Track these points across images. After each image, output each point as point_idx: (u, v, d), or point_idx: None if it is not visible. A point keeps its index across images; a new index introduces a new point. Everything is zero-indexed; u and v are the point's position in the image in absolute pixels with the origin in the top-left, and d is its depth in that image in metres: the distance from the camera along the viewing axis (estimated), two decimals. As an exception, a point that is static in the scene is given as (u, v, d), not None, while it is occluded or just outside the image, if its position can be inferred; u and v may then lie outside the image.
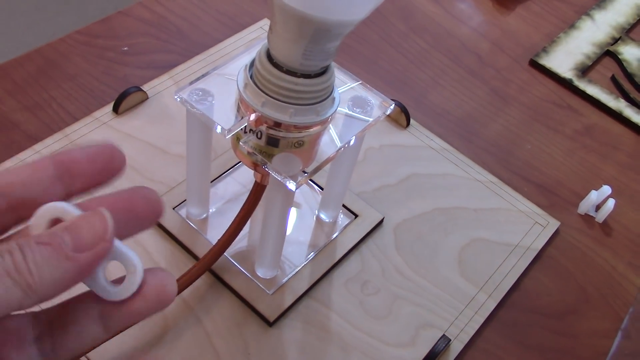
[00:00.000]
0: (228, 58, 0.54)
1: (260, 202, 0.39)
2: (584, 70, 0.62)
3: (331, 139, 0.36)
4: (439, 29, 0.64)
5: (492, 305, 0.44)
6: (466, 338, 0.42)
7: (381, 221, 0.47)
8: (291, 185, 0.33)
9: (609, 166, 0.56)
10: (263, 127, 0.34)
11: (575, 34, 0.65)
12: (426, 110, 0.56)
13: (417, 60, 0.60)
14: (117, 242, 0.22)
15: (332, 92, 0.35)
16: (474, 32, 0.65)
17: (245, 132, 0.35)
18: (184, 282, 0.38)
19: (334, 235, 0.45)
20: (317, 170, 0.35)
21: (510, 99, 0.59)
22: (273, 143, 0.35)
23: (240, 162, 0.48)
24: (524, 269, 0.46)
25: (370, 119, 0.37)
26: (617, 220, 0.51)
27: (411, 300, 0.43)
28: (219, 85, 0.37)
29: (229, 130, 0.35)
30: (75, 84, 0.51)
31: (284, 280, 0.42)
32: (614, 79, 0.62)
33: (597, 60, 0.64)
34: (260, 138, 0.35)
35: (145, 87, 0.51)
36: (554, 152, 0.56)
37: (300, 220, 0.46)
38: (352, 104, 0.38)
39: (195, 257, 0.42)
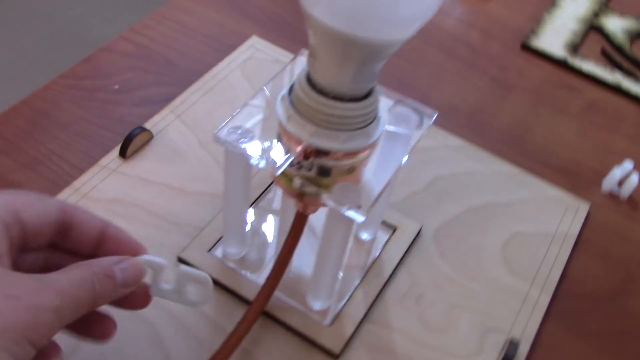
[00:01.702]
0: (227, 85, 0.52)
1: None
2: (575, 47, 0.62)
3: (385, 160, 0.35)
4: (426, 24, 0.63)
5: (547, 299, 0.43)
6: (530, 337, 0.41)
7: (419, 230, 0.45)
8: (359, 216, 0.31)
9: (619, 140, 0.56)
10: (316, 159, 0.32)
11: (558, 13, 0.65)
12: (433, 109, 0.55)
13: (413, 60, 0.59)
14: (187, 268, 0.33)
15: (378, 112, 0.34)
16: (461, 23, 0.64)
17: (292, 165, 0.33)
18: (242, 330, 0.36)
19: (377, 253, 0.43)
20: (379, 196, 0.33)
21: (511, 86, 0.59)
22: (324, 173, 0.33)
23: (264, 191, 0.46)
24: (567, 256, 0.46)
25: (414, 132, 0.36)
26: (638, 192, 0.52)
27: (468, 306, 0.42)
28: (255, 119, 0.35)
29: (278, 168, 0.33)
30: (71, 133, 0.48)
31: (339, 309, 0.40)
32: (604, 53, 0.62)
33: (584, 36, 0.64)
34: (310, 170, 0.33)
35: (147, 126, 0.48)
36: (565, 134, 0.56)
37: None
38: (395, 120, 0.36)
39: (242, 298, 0.40)
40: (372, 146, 0.33)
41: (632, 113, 0.58)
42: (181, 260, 0.41)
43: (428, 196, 0.48)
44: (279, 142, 0.34)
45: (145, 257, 0.32)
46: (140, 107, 0.50)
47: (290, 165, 0.33)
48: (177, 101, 0.50)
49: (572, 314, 0.44)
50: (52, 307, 0.27)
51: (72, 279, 0.29)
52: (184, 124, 0.49)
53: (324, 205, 0.34)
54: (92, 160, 0.46)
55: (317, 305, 0.40)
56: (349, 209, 0.32)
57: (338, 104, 0.31)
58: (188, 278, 0.33)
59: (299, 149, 0.32)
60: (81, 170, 0.45)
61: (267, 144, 0.34)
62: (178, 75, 0.53)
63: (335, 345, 0.39)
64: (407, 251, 0.44)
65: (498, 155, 0.52)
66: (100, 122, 0.49)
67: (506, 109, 0.57)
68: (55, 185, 0.44)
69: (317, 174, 0.33)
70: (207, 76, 0.53)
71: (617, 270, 0.47)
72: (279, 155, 0.33)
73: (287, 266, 0.37)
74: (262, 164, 0.33)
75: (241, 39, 0.57)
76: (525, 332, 0.42)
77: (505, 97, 0.58)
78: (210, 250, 0.42)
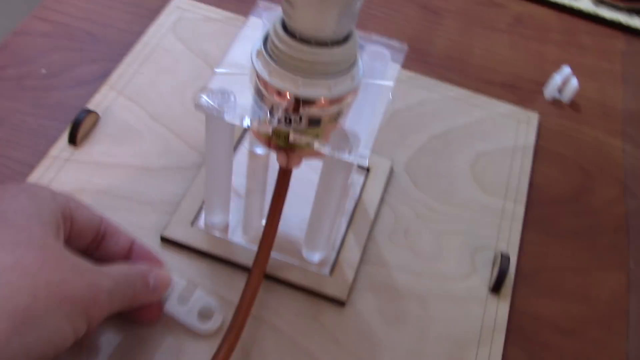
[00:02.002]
0: (162, 51, 0.50)
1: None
2: (491, -36, 0.63)
3: (369, 101, 0.34)
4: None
5: (522, 210, 0.45)
6: (515, 248, 0.43)
7: (391, 167, 0.46)
8: (362, 160, 0.31)
9: (550, 49, 0.58)
10: (305, 110, 0.32)
11: None
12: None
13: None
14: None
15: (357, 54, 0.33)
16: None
17: (280, 122, 0.32)
18: (250, 295, 0.35)
19: (357, 196, 0.43)
20: (372, 137, 0.33)
21: (440, 11, 0.59)
22: (315, 123, 0.32)
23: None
24: (530, 166, 0.48)
25: (393, 69, 0.36)
26: (579, 95, 0.54)
27: (452, 231, 0.43)
28: (229, 82, 0.33)
29: (271, 125, 0.32)
30: (8, 128, 0.44)
31: (335, 257, 0.40)
32: (518, -35, 0.64)
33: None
34: (301, 122, 0.32)
35: (90, 107, 0.45)
36: (500, 50, 0.57)
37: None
38: (370, 59, 0.36)
39: (237, 265, 0.39)
40: (356, 89, 0.33)
41: (556, 21, 0.61)
42: (165, 239, 0.39)
43: (390, 132, 0.48)
44: (259, 99, 0.33)
45: (167, 272, 0.36)
46: (75, 88, 0.47)
47: (278, 121, 0.32)
48: (114, 76, 0.47)
49: (545, 220, 0.46)
50: (108, 289, 0.30)
51: (120, 272, 0.31)
52: (128, 99, 0.46)
53: (317, 156, 0.34)
54: (40, 154, 0.42)
55: (315, 257, 0.40)
56: (350, 153, 0.31)
57: (323, 50, 0.30)
58: (201, 302, 0.37)
59: (286, 101, 0.31)
60: (31, 166, 0.42)
61: (249, 102, 0.33)
62: (106, 49, 0.50)
63: (341, 293, 0.39)
64: (384, 189, 0.44)
65: (445, 81, 0.53)
66: (37, 112, 0.45)
67: (441, 34, 0.57)
68: (5, 183, 0.41)
69: (307, 125, 0.32)
70: (139, 45, 0.50)
71: (575, 171, 0.49)
72: (266, 112, 0.32)
73: (277, 225, 0.36)
74: (253, 124, 0.32)
75: (163, 0, 0.54)
76: (510, 243, 0.43)
77: (438, 23, 0.58)
78: (192, 223, 0.40)
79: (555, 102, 0.54)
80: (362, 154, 0.31)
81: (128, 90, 0.47)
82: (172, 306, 0.36)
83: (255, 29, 0.36)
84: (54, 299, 0.27)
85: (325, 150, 0.31)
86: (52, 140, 0.43)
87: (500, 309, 0.40)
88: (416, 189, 0.45)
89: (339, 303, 0.39)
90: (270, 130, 0.32)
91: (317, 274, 0.39)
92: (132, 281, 0.32)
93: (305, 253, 0.40)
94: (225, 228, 0.41)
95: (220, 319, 0.36)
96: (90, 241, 0.34)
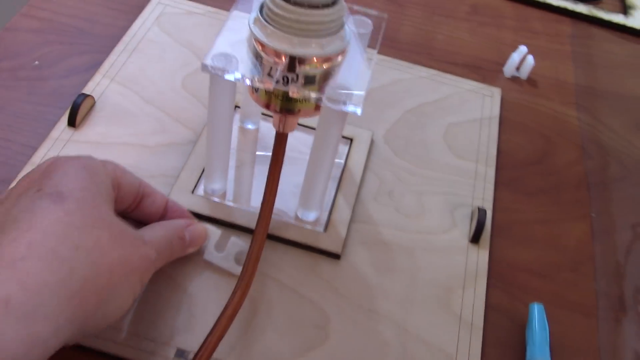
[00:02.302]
0: (149, 42, 0.52)
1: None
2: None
3: (355, 60, 0.38)
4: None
5: (492, 172, 0.49)
6: (490, 204, 0.47)
7: (372, 137, 0.49)
8: (357, 109, 0.35)
9: (506, 33, 0.63)
10: (300, 68, 0.35)
11: None
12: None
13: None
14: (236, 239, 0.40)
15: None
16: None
17: (277, 81, 0.35)
18: (255, 254, 0.38)
19: (343, 163, 0.47)
20: (364, 88, 0.36)
21: (404, 3, 0.64)
22: (310, 81, 0.36)
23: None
24: (497, 134, 0.52)
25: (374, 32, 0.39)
26: (535, 72, 0.59)
27: (432, 191, 0.47)
28: (231, 45, 0.36)
29: (272, 83, 0.35)
30: (8, 115, 0.46)
31: (327, 217, 0.43)
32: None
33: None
34: (297, 81, 0.35)
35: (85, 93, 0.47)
36: (461, 35, 0.62)
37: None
38: (355, 25, 0.39)
39: (239, 227, 0.42)
40: (345, 49, 0.36)
41: (510, 9, 0.66)
42: (169, 207, 0.42)
43: (368, 108, 0.52)
44: (258, 63, 0.36)
45: (206, 224, 0.40)
46: (68, 78, 0.49)
47: (277, 82, 0.35)
48: (106, 65, 0.50)
49: (514, 180, 0.50)
50: (153, 259, 0.33)
51: (160, 237, 0.35)
52: (121, 85, 0.49)
53: (312, 114, 0.37)
54: (41, 137, 0.45)
55: (310, 216, 0.43)
56: (345, 104, 0.35)
57: (315, 12, 0.34)
58: (236, 247, 0.40)
59: (283, 62, 0.35)
60: (33, 148, 0.44)
61: (250, 65, 0.36)
62: (95, 42, 0.52)
63: (335, 247, 0.42)
64: (367, 157, 0.48)
65: (414, 63, 0.57)
66: (34, 99, 0.47)
67: (406, 23, 0.62)
68: (10, 166, 0.43)
69: (303, 83, 0.35)
70: (126, 37, 0.52)
71: (537, 137, 0.54)
72: (265, 73, 0.35)
73: (277, 187, 0.39)
74: (255, 82, 0.35)
75: (145, -3, 0.57)
76: (484, 200, 0.47)
77: (402, 13, 0.63)
78: (192, 191, 0.43)
79: (515, 79, 0.58)
80: (356, 103, 0.34)
81: (120, 77, 0.49)
82: (210, 254, 0.40)
83: (239, 20, 0.38)
84: (123, 272, 0.31)
85: (323, 102, 0.35)
86: (51, 124, 0.45)
87: (480, 256, 0.44)
88: (396, 157, 0.49)
89: (335, 256, 0.42)
90: (272, 86, 0.35)
91: (312, 231, 0.42)
92: (169, 244, 0.36)
93: (300, 213, 0.43)
94: (224, 195, 0.43)
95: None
96: (131, 203, 0.36)
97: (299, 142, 0.48)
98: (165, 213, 0.38)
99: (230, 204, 0.43)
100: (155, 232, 0.35)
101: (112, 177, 0.34)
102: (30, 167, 0.42)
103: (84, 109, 0.46)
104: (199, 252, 0.40)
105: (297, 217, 0.43)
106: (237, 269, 0.39)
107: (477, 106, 0.54)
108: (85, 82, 0.49)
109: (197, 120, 0.48)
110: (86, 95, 0.46)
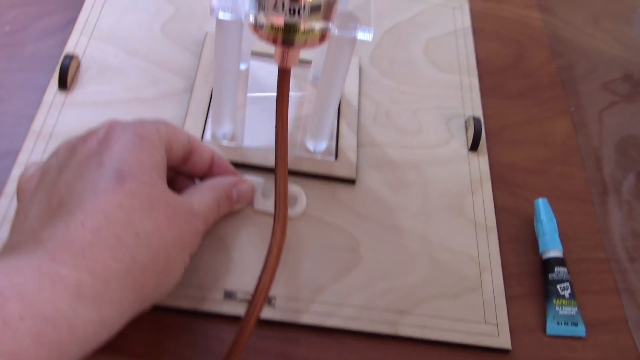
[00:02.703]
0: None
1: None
2: None
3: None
4: None
5: (476, 81, 0.51)
6: (479, 111, 0.49)
7: (359, 62, 0.50)
8: (368, 35, 0.35)
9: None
10: None
11: None
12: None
13: None
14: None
15: None
16: None
17: (287, 13, 0.35)
18: (283, 192, 0.38)
19: (338, 91, 0.48)
20: (370, 14, 0.37)
21: None
22: (316, 9, 0.36)
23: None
24: (473, 44, 0.54)
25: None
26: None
27: (426, 107, 0.49)
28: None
29: (284, 15, 0.35)
30: (-10, 86, 0.44)
31: (335, 145, 0.45)
32: None
33: None
34: (304, 9, 0.36)
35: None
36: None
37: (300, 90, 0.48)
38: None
39: (253, 166, 0.42)
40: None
41: None
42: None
43: (348, 34, 0.52)
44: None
45: (249, 177, 0.41)
46: (44, 40, 0.47)
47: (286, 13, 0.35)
48: (80, 23, 0.48)
49: (496, 86, 0.52)
50: (202, 230, 0.34)
51: (208, 203, 0.36)
52: (100, 41, 0.47)
53: (315, 45, 0.38)
54: (33, 103, 0.43)
55: (321, 146, 0.44)
56: (356, 30, 0.35)
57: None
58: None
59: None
60: (28, 116, 0.43)
61: (253, 1, 0.36)
62: (62, 1, 0.50)
63: (350, 173, 0.43)
64: (359, 83, 0.49)
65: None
66: (16, 67, 0.45)
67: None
68: (11, 138, 0.42)
69: (310, 13, 0.36)
70: (94, -10, 0.50)
71: (509, 42, 0.56)
72: (271, 6, 0.35)
73: (287, 123, 0.40)
74: (264, 19, 0.35)
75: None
76: (474, 109, 0.50)
77: None
78: (201, 138, 0.43)
79: (478, -12, 0.60)
80: (367, 29, 0.35)
81: (97, 33, 0.48)
82: (259, 202, 0.41)
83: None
84: (178, 251, 0.32)
85: (333, 31, 0.35)
86: (40, 90, 0.44)
87: (481, 162, 0.47)
88: (385, 78, 0.50)
89: (350, 182, 0.43)
90: (282, 21, 0.35)
91: (325, 161, 0.43)
92: (216, 207, 0.36)
93: (310, 145, 0.44)
94: (232, 137, 0.44)
95: (304, 203, 0.42)
96: (180, 160, 0.37)
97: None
98: (212, 167, 0.39)
99: (242, 144, 0.43)
100: (204, 196, 0.36)
101: (165, 141, 0.34)
102: (33, 136, 0.41)
103: (72, 70, 0.45)
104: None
105: (306, 149, 0.44)
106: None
107: (449, 19, 0.56)
108: (62, 43, 0.47)
109: (186, 67, 0.47)
110: (72, 56, 0.44)
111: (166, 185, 0.33)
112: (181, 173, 0.39)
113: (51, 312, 0.25)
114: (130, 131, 0.32)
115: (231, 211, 0.40)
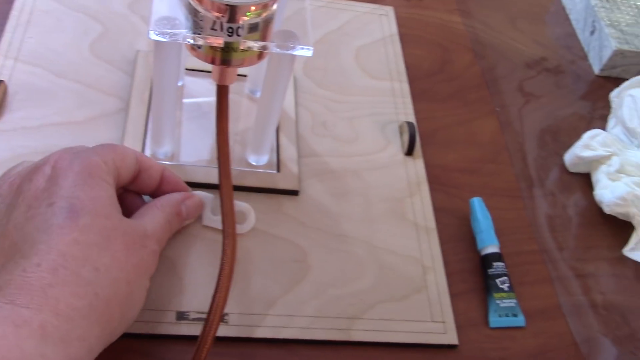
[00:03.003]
0: (41, 13, 0.49)
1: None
2: None
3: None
4: None
5: (406, 87, 0.53)
6: (412, 117, 0.51)
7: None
8: (308, 51, 0.36)
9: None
10: (242, 19, 0.35)
11: None
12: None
13: None
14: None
15: None
16: None
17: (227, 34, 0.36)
18: (229, 208, 0.38)
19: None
20: (309, 30, 0.37)
21: None
22: (254, 28, 0.36)
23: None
24: (401, 50, 0.56)
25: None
26: (417, -14, 0.63)
27: (360, 115, 0.50)
28: (167, 7, 0.36)
29: (222, 37, 0.35)
30: None
31: (276, 158, 0.45)
32: None
33: None
34: (242, 31, 0.36)
35: (-9, 79, 0.44)
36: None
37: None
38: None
39: (196, 184, 0.42)
40: (279, -5, 0.37)
41: None
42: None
43: (279, 45, 0.53)
44: (199, 21, 0.36)
45: (198, 192, 0.41)
46: (-36, 65, 0.46)
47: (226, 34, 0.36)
48: (4, 45, 0.46)
49: (425, 91, 0.54)
50: (157, 252, 0.35)
51: (159, 223, 0.36)
52: (27, 63, 0.46)
53: (252, 63, 0.38)
54: (-41, 133, 0.42)
55: (262, 160, 0.44)
56: (295, 47, 0.36)
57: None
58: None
59: (224, 14, 0.35)
60: (-45, 147, 0.41)
61: (190, 23, 0.36)
62: (-21, 22, 0.48)
63: (293, 185, 0.44)
64: (295, 94, 0.50)
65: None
66: (-64, 94, 0.43)
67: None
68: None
69: (248, 32, 0.36)
70: (15, 12, 0.48)
71: (434, 47, 0.58)
72: (208, 27, 0.35)
73: (227, 139, 0.40)
74: (205, 41, 0.35)
75: (18, -36, 0.52)
76: (406, 114, 0.51)
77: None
78: (141, 159, 0.43)
79: (400, -4, 0.62)
80: (307, 45, 0.36)
81: (23, 55, 0.46)
82: (208, 219, 0.41)
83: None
84: (138, 276, 0.32)
85: (272, 49, 0.36)
86: (-35, 119, 0.42)
87: (417, 166, 0.48)
88: (319, 88, 0.51)
89: (293, 193, 0.44)
90: (222, 42, 0.35)
91: (268, 174, 0.44)
92: (167, 226, 0.37)
93: (252, 159, 0.44)
94: (173, 156, 0.43)
95: (253, 219, 0.42)
96: (129, 180, 0.37)
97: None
98: (161, 184, 0.39)
99: (182, 163, 0.43)
100: (155, 217, 0.36)
101: (113, 169, 0.34)
102: (-38, 167, 0.40)
103: (-1, 96, 0.43)
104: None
105: (248, 163, 0.44)
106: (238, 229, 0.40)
107: (376, 27, 0.57)
108: (-16, 67, 0.45)
109: (117, 86, 0.47)
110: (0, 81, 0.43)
111: (120, 214, 0.33)
112: (129, 190, 0.38)
113: (17, 356, 0.25)
114: (77, 166, 0.32)
115: (182, 225, 0.40)
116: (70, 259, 0.28)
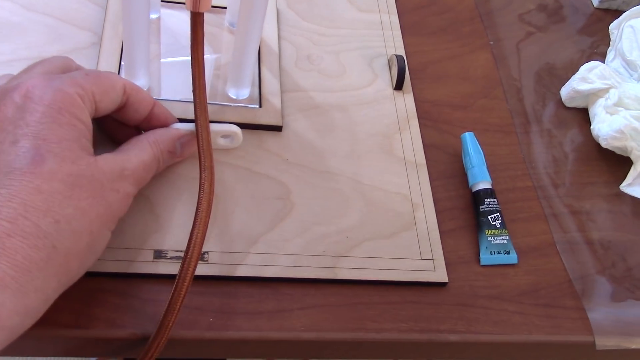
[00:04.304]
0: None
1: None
2: None
3: None
4: None
5: (396, 19, 0.51)
6: (402, 50, 0.49)
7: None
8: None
9: None
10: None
11: None
12: None
13: None
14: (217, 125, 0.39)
15: None
16: None
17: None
18: (206, 142, 0.36)
19: (256, 36, 0.46)
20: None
21: None
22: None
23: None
24: (390, -18, 0.53)
25: None
26: None
27: (347, 48, 0.48)
28: None
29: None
30: None
31: (257, 92, 0.43)
32: None
33: None
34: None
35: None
36: None
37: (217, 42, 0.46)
38: None
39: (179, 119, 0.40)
40: None
41: None
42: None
43: None
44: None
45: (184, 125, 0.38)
46: None
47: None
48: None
49: (416, 24, 0.52)
50: (132, 194, 0.33)
51: (145, 161, 0.34)
52: (-7, -4, 0.44)
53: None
54: None
55: (242, 94, 0.42)
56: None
57: None
58: (220, 133, 0.39)
59: None
60: None
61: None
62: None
63: (276, 120, 0.42)
64: (278, 27, 0.47)
65: None
66: None
67: None
68: None
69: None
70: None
71: None
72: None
73: (203, 71, 0.38)
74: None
75: None
76: (396, 48, 0.49)
77: None
78: (116, 95, 0.41)
79: None
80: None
81: (-11, -10, 0.44)
82: None
83: None
84: (103, 225, 0.31)
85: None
86: None
87: (407, 101, 0.46)
88: (304, 21, 0.49)
89: (277, 129, 0.42)
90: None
91: (249, 109, 0.42)
92: (157, 161, 0.35)
93: (232, 93, 0.42)
94: (149, 90, 0.41)
95: (240, 138, 0.40)
96: (114, 109, 0.35)
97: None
98: (150, 117, 0.37)
99: (162, 98, 0.41)
100: (141, 154, 0.34)
101: (90, 102, 0.32)
102: None
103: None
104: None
105: (228, 97, 0.42)
106: (226, 144, 0.40)
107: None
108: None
109: (90, 19, 0.44)
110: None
111: (91, 155, 0.31)
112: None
113: None
114: (48, 99, 0.30)
115: (174, 162, 0.38)
116: (31, 209, 0.27)
